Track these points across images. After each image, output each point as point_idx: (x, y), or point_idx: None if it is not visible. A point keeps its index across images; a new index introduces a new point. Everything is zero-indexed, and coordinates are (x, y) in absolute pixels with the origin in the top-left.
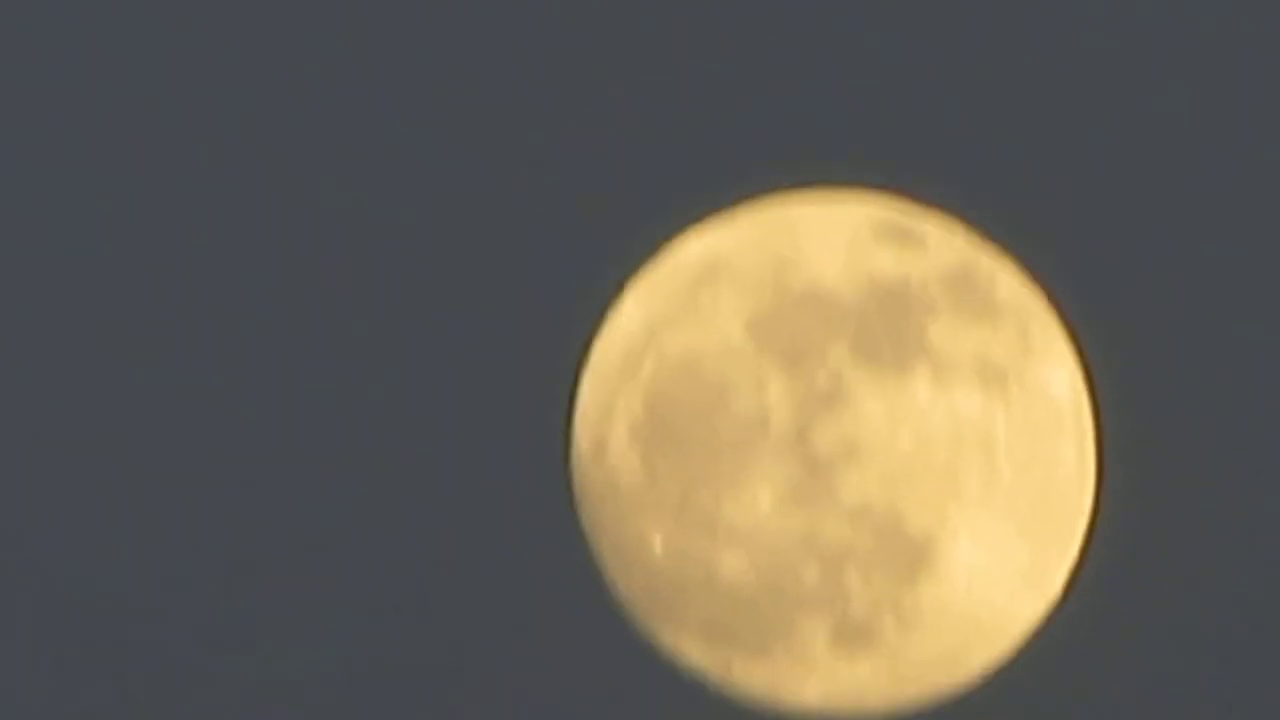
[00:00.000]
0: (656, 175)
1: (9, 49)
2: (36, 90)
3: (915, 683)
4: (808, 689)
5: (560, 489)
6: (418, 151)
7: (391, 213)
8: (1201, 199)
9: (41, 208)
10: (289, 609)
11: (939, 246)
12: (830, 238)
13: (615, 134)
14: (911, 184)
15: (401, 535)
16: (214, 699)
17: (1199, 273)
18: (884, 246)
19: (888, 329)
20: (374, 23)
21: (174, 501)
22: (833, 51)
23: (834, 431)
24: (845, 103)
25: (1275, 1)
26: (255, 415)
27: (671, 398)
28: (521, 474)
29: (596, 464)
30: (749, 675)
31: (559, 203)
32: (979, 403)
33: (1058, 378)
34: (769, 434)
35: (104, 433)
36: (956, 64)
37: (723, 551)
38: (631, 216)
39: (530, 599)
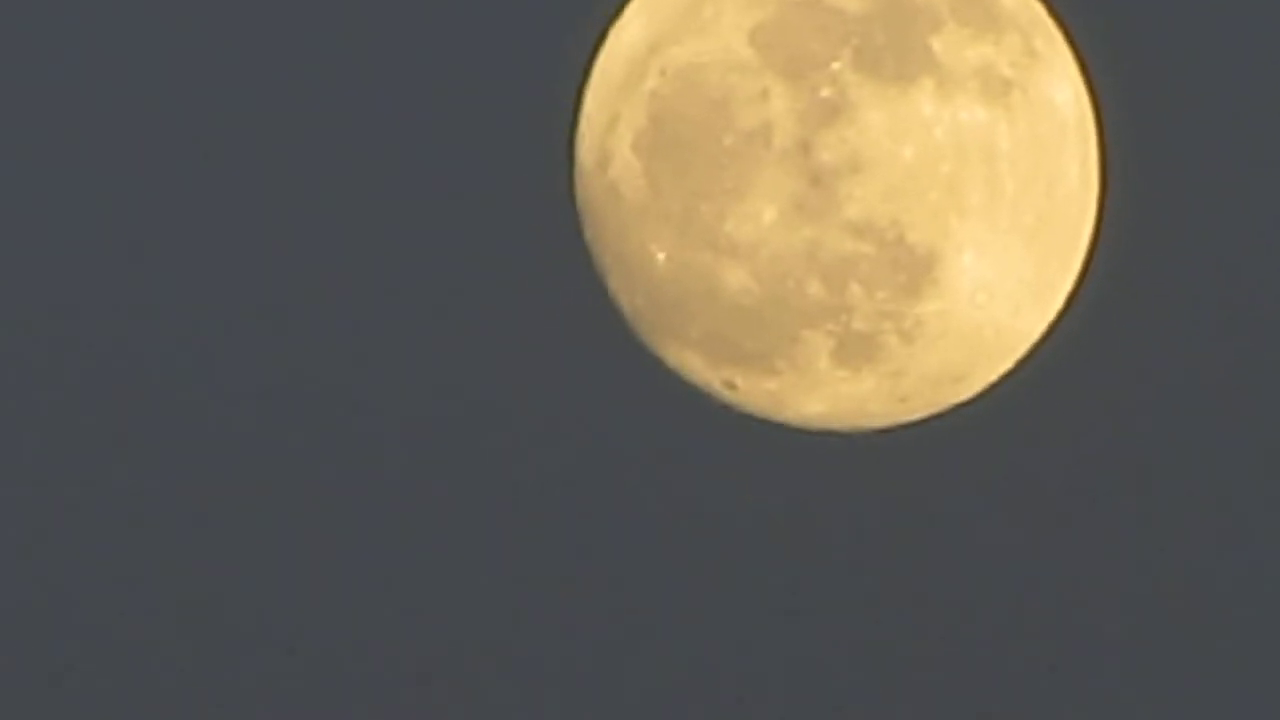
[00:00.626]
0: None
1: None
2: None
3: (918, 397)
4: (810, 402)
5: (564, 202)
6: None
7: None
8: None
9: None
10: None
11: None
12: None
13: None
14: None
15: (407, 249)
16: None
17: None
18: None
19: (891, 40)
20: None
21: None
22: None
23: (837, 144)
24: None
25: None
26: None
27: (674, 110)
28: (525, 187)
29: (599, 177)
30: (752, 389)
31: None
32: (983, 115)
33: (1062, 91)
34: (772, 146)
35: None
36: None
37: (726, 265)
38: None
39: (534, 313)
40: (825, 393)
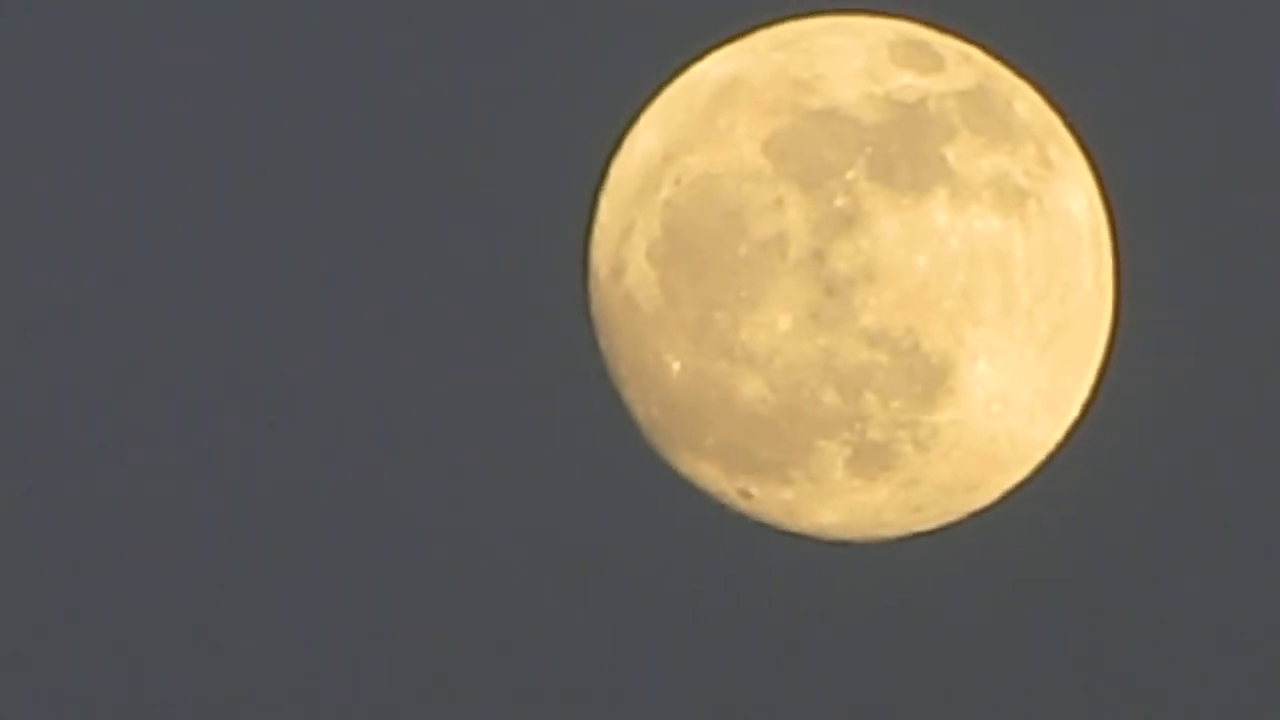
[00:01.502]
0: (673, 0)
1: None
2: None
3: (933, 506)
4: (825, 512)
5: (579, 312)
6: None
7: (406, 38)
8: (1228, 21)
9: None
10: (293, 431)
11: (957, 67)
12: (848, 59)
13: None
14: (930, 8)
15: (420, 357)
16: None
17: (1219, 95)
18: (902, 67)
19: (905, 150)
20: None
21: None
22: None
23: (852, 253)
24: None
25: None
26: (262, 249)
27: (689, 220)
28: (540, 297)
29: (614, 286)
30: (767, 498)
31: (577, 25)
32: (997, 224)
33: (1076, 200)
34: (786, 256)
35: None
36: None
37: (741, 374)
38: (649, 38)
39: (548, 422)
40: (840, 502)
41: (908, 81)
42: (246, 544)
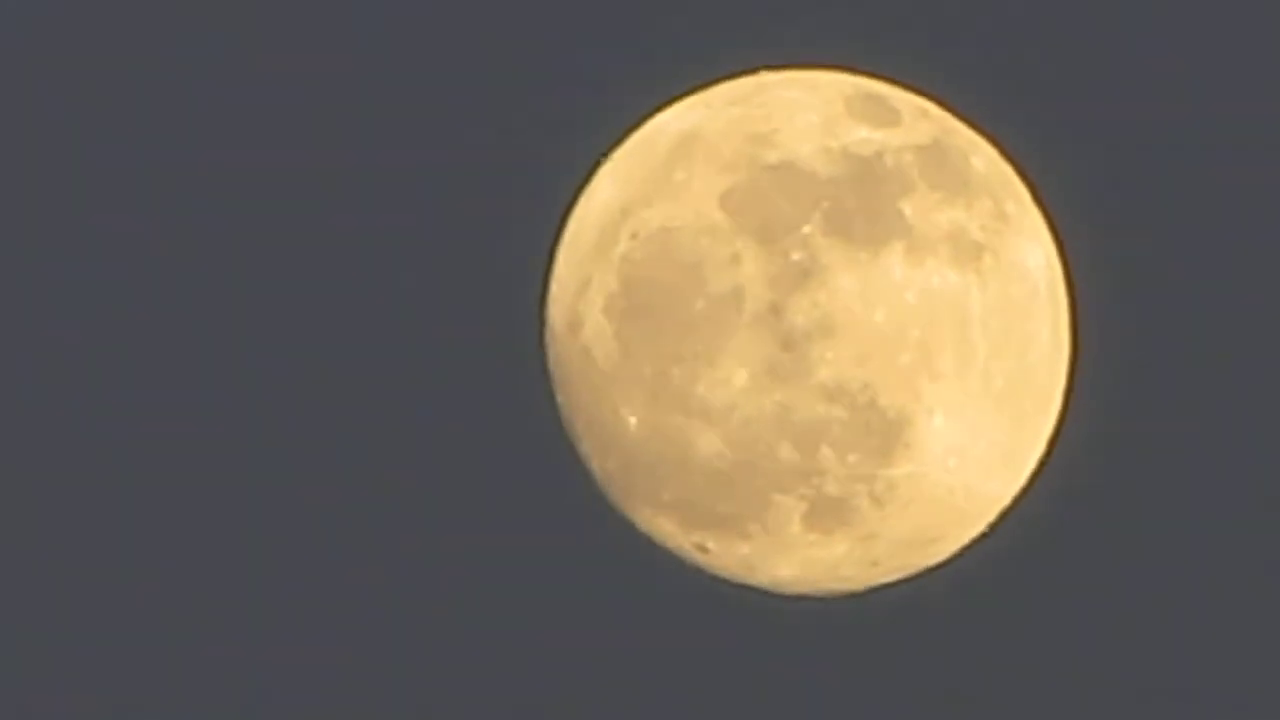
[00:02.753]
0: (630, 52)
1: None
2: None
3: (890, 560)
4: (782, 566)
5: (534, 366)
6: (388, 30)
7: (362, 91)
8: (1179, 75)
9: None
10: (239, 497)
11: (914, 122)
12: (805, 113)
13: (589, 11)
14: (886, 63)
15: (372, 411)
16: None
17: (1175, 149)
18: (858, 121)
19: (862, 204)
20: None
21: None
22: None
23: (808, 308)
24: None
25: None
26: (221, 302)
27: (646, 274)
28: (495, 351)
29: (571, 340)
30: (724, 552)
31: (533, 79)
32: (954, 279)
33: (1033, 254)
34: (743, 310)
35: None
36: None
37: (698, 429)
38: (605, 93)
39: (503, 476)
40: (797, 556)
41: (864, 135)
42: (185, 597)
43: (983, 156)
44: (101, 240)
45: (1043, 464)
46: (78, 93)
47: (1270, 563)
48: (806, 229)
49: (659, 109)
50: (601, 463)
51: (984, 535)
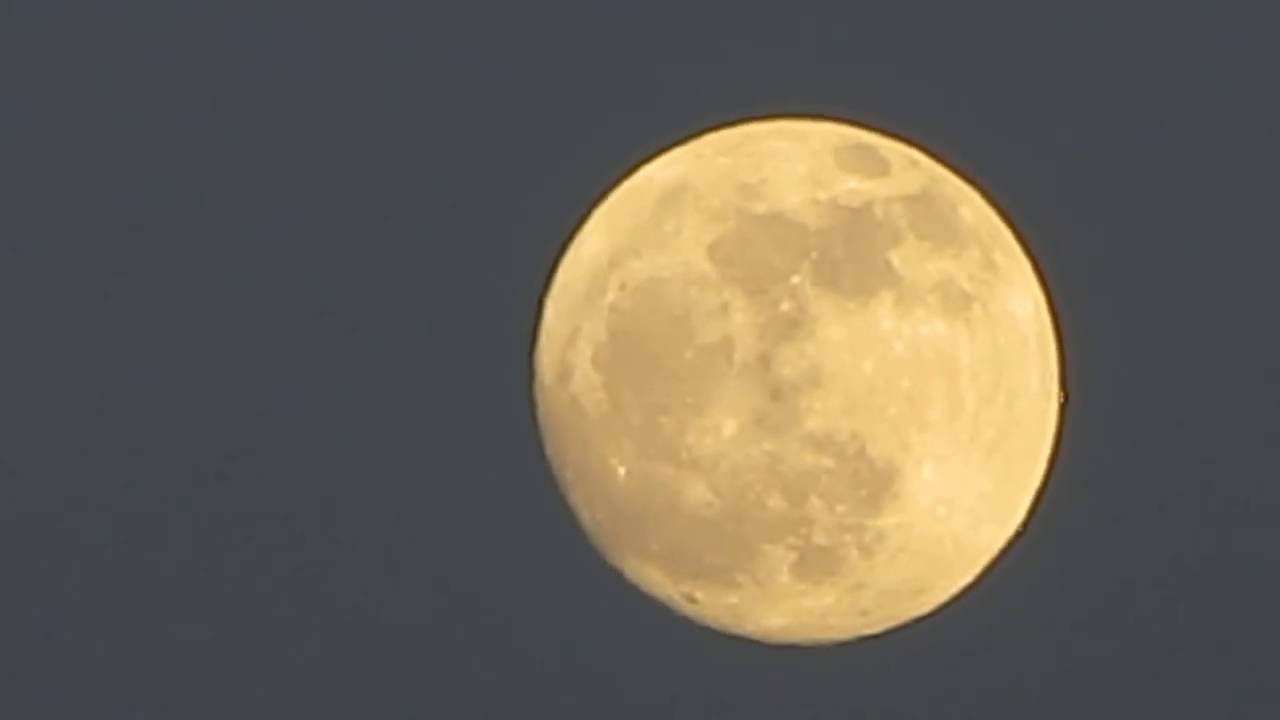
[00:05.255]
0: (620, 103)
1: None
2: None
3: (878, 610)
4: (771, 616)
5: (524, 416)
6: (387, 81)
7: (359, 139)
8: (1163, 123)
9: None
10: (227, 535)
11: (903, 171)
12: (793, 163)
13: (579, 63)
14: (874, 113)
15: (360, 466)
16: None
17: (1161, 199)
18: (847, 172)
19: (851, 254)
20: None
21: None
22: None
23: (797, 358)
24: (809, 32)
25: None
26: (218, 351)
27: (635, 324)
28: (486, 400)
29: (560, 390)
30: (712, 602)
31: (523, 130)
32: (943, 329)
33: (1022, 304)
34: (732, 361)
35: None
36: None
37: (686, 478)
38: (595, 143)
39: (495, 525)
40: (786, 606)
41: (853, 186)
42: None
43: (971, 206)
44: (102, 239)
45: (1032, 513)
46: (78, 93)
47: (1259, 616)
48: (795, 279)
49: (648, 159)
50: (590, 512)
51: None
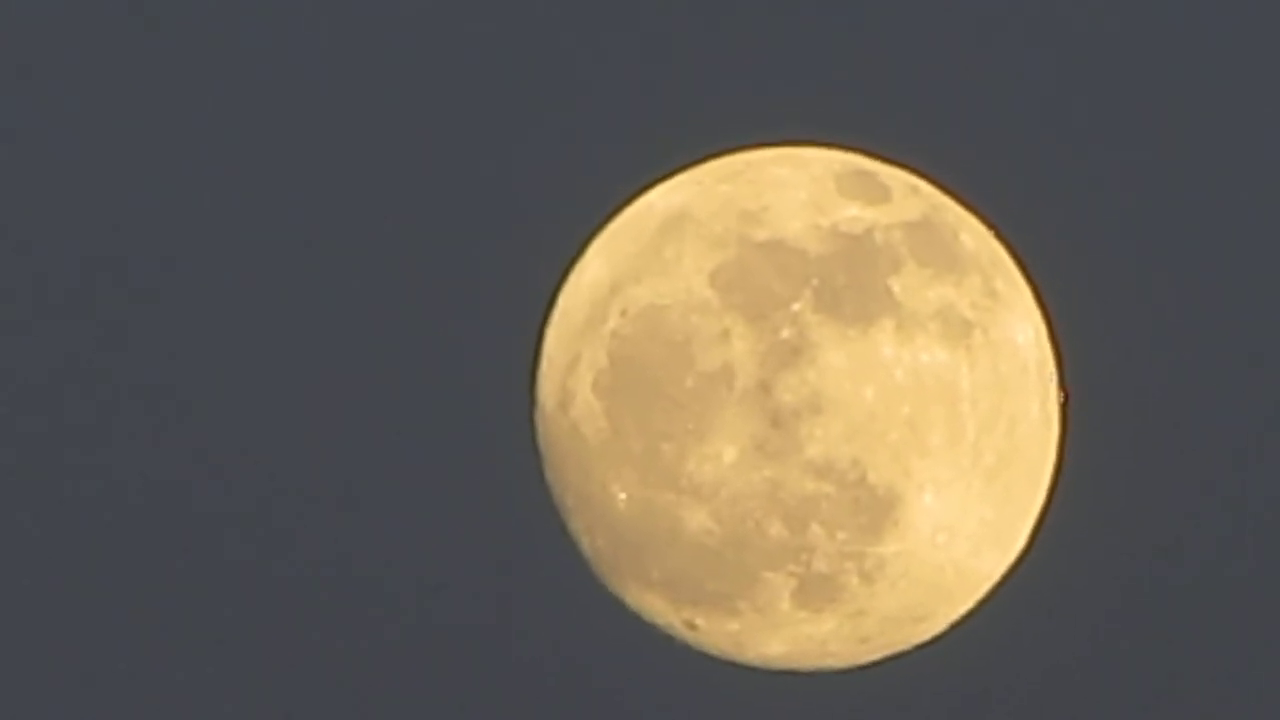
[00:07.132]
0: (621, 131)
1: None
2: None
3: (879, 637)
4: (772, 643)
5: (525, 442)
6: (392, 109)
7: (360, 167)
8: (1164, 151)
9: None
10: (235, 557)
11: (904, 198)
12: (794, 190)
13: (580, 91)
14: (875, 140)
15: (360, 493)
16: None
17: (1162, 226)
18: (848, 199)
19: (852, 281)
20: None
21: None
22: (799, 9)
23: (798, 385)
24: (810, 60)
25: None
26: (221, 368)
27: (636, 351)
28: (487, 427)
29: (561, 417)
30: (713, 629)
31: (525, 158)
32: (944, 356)
33: (1023, 331)
34: (733, 387)
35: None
36: (920, 21)
37: (687, 505)
38: (596, 171)
39: (494, 553)
40: (787, 633)
41: (854, 213)
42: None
43: (972, 233)
44: (102, 239)
45: (1033, 540)
46: (79, 93)
47: (1259, 641)
48: (796, 306)
49: (649, 186)
50: (591, 539)
51: (973, 612)
